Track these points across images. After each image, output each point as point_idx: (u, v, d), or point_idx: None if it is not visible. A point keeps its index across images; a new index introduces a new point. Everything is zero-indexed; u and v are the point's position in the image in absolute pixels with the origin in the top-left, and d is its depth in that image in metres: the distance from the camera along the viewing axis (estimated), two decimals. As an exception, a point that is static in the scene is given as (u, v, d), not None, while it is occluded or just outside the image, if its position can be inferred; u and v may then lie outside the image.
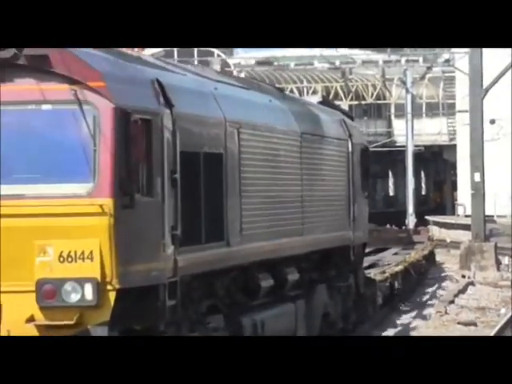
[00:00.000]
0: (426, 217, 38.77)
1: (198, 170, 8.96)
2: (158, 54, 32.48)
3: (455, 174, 42.76)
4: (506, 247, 25.40)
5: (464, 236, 26.92)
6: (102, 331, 6.90)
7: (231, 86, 11.38)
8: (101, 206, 7.04)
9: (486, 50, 26.31)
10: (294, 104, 13.34)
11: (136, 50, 13.69)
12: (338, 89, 45.57)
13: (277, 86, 18.77)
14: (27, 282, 7.04)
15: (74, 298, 7.01)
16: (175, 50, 46.20)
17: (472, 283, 21.80)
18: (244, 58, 52.33)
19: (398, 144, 44.88)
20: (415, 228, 39.01)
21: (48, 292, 6.96)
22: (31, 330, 6.95)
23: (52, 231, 7.10)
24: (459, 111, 36.63)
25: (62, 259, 6.99)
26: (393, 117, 46.73)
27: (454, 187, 42.26)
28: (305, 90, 44.11)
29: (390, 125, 45.74)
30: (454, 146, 43.06)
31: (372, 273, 18.78)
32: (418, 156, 43.04)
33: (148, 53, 21.02)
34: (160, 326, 7.82)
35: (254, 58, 52.36)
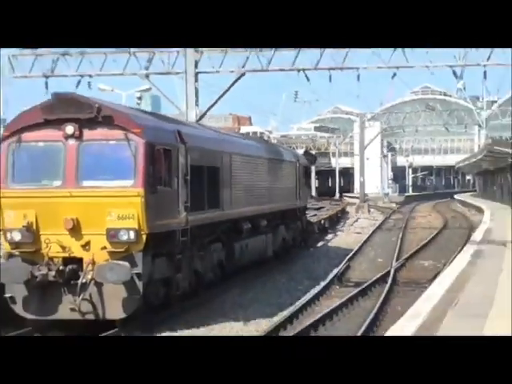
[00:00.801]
0: (344, 194, 75.72)
1: (203, 175, 14.89)
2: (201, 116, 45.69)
3: (353, 178, 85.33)
4: (371, 204, 56.75)
5: (357, 200, 57.28)
6: (139, 256, 12.09)
7: (230, 136, 20.00)
8: (138, 192, 12.11)
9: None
10: (266, 145, 24.88)
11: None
12: (312, 146, 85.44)
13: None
14: (102, 228, 12.06)
15: (125, 237, 12.12)
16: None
17: (359, 218, 45.20)
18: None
19: (333, 166, 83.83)
20: (339, 198, 71.20)
21: (112, 234, 12.13)
22: (104, 255, 12.17)
23: (114, 204, 12.12)
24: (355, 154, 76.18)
25: (119, 218, 12.07)
26: (331, 155, 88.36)
27: (353, 183, 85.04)
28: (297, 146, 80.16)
29: (329, 159, 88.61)
30: (353, 167, 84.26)
31: (315, 218, 34.97)
32: (340, 171, 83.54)
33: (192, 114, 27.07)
34: (176, 250, 13.43)
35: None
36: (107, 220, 12.09)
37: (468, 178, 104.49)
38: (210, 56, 27.73)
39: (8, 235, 12.35)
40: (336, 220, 42.10)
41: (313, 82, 28.96)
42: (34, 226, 12.25)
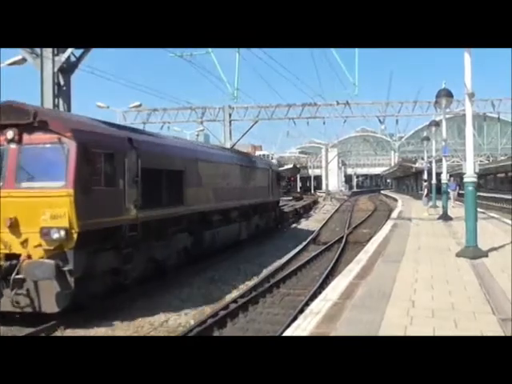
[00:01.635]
0: (317, 190, 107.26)
1: (161, 177, 16.41)
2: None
3: (322, 181, 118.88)
4: (332, 197, 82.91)
5: (324, 194, 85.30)
6: (70, 254, 12.60)
7: (201, 147, 22.24)
8: (67, 192, 12.45)
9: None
10: (241, 155, 28.62)
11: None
12: (297, 163, 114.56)
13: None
14: (38, 227, 12.47)
15: (56, 235, 12.52)
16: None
17: (325, 205, 67.13)
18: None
19: (310, 174, 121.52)
20: (313, 193, 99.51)
21: (45, 233, 12.54)
22: (40, 252, 12.64)
23: (47, 204, 12.48)
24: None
25: (51, 218, 12.48)
26: (308, 168, 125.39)
27: (321, 184, 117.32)
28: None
29: (307, 170, 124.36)
30: (321, 175, 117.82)
31: (288, 207, 47.57)
32: (314, 177, 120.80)
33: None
34: (123, 243, 14.41)
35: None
36: (42, 219, 12.65)
37: (388, 180, 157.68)
38: (238, 111, 51.34)
39: None
40: (310, 207, 60.59)
41: (298, 125, 50.06)
42: None
